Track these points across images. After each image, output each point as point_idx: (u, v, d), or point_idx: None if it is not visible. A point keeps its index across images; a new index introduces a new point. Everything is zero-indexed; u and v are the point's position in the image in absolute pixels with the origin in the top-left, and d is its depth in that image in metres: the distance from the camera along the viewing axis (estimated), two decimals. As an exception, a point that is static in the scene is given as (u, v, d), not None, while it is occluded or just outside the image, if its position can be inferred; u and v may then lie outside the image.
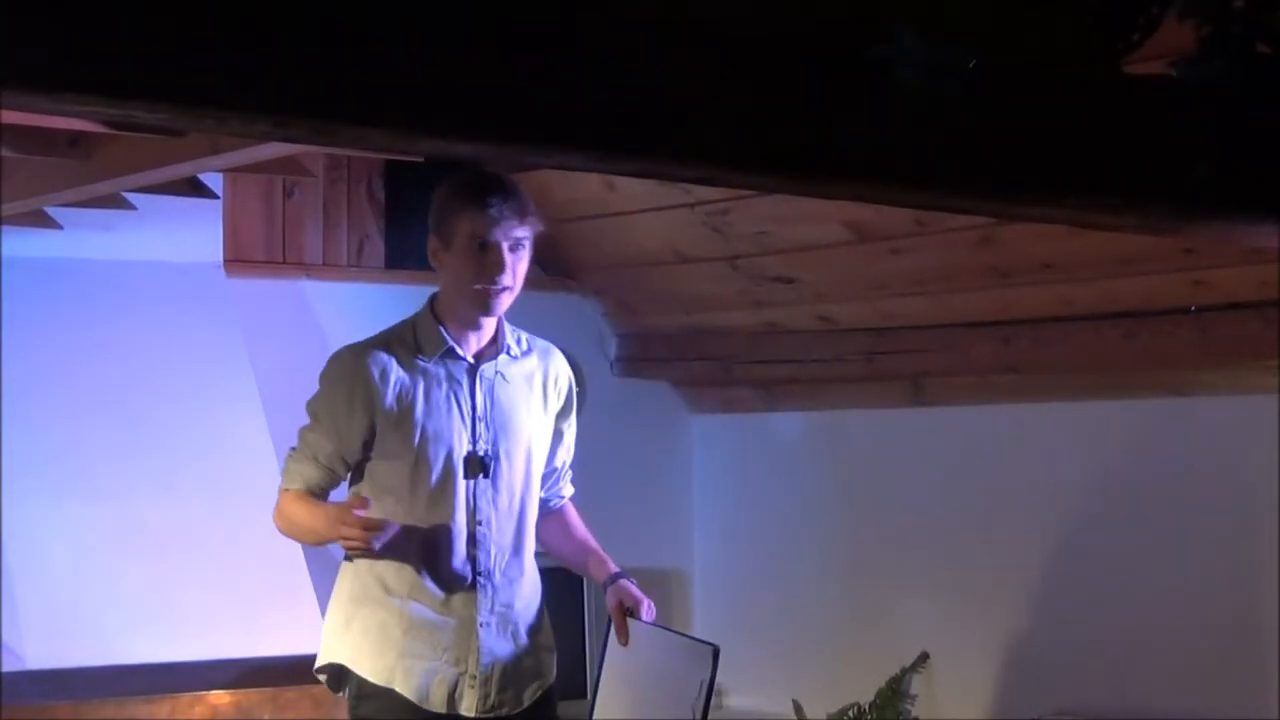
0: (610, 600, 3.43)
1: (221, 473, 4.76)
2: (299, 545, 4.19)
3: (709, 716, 3.21)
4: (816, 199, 3.81)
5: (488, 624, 3.40)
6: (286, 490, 3.41)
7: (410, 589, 3.37)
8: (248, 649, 4.59)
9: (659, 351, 5.86)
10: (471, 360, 3.41)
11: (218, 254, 5.14)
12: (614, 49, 1.58)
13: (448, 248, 3.34)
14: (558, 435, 3.55)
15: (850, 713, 5.16)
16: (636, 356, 5.90)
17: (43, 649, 4.43)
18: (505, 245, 3.30)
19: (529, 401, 3.46)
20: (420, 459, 3.34)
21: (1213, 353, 4.41)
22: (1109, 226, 2.12)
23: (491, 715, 3.40)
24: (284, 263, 5.31)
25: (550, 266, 5.70)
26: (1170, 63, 1.88)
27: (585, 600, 5.29)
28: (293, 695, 4.48)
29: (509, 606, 3.43)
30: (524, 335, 3.50)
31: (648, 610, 3.40)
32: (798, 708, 5.30)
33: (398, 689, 3.36)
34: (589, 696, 3.56)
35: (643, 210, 5.15)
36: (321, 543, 3.50)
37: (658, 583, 5.23)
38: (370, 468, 3.38)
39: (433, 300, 3.44)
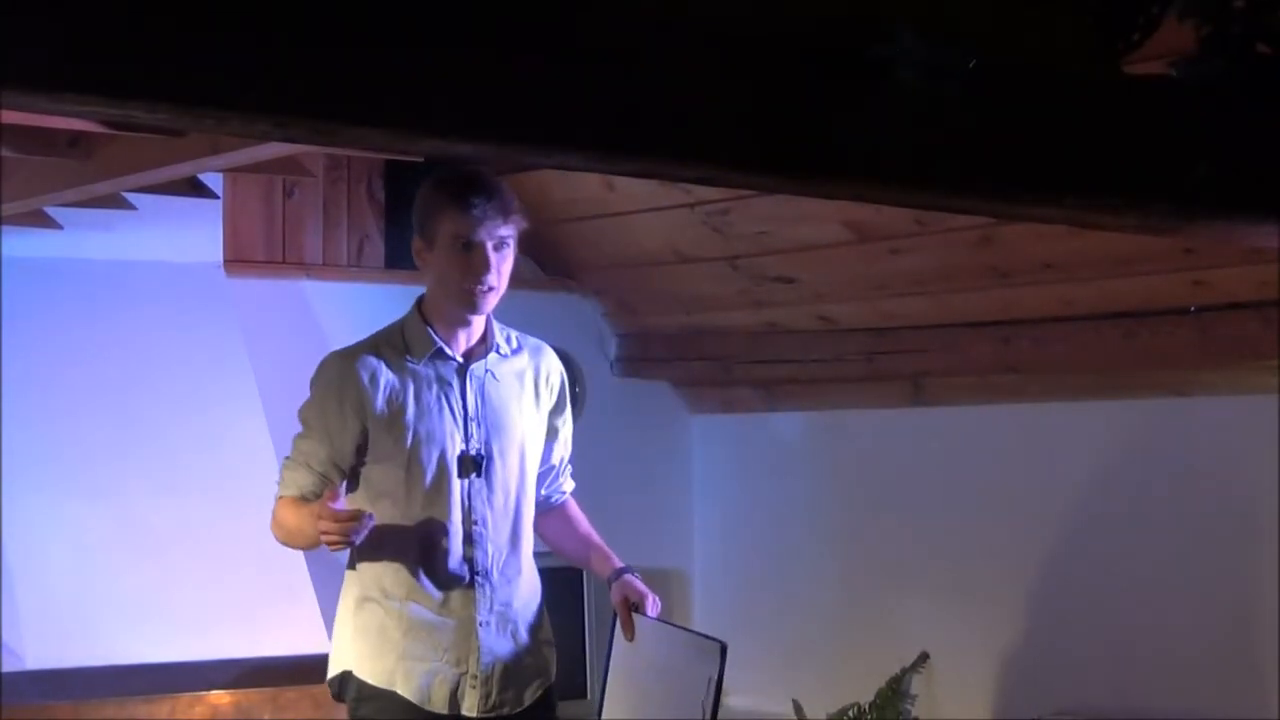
0: (615, 595, 3.42)
1: (221, 472, 4.76)
2: (299, 546, 4.19)
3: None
4: (816, 199, 3.81)
5: (487, 623, 3.40)
6: (281, 498, 3.41)
7: (408, 591, 3.36)
8: (248, 649, 4.58)
9: (659, 351, 5.86)
10: (461, 360, 3.40)
11: (218, 254, 5.14)
12: (614, 49, 1.58)
13: (432, 248, 3.33)
14: (553, 432, 3.54)
15: (850, 713, 5.16)
16: (636, 356, 5.91)
17: (43, 649, 4.43)
18: (489, 245, 3.29)
19: (520, 399, 3.45)
20: (414, 461, 3.34)
21: (1213, 353, 4.41)
22: (1109, 226, 2.12)
23: (493, 715, 3.40)
24: (284, 263, 5.31)
25: (550, 266, 5.70)
26: (1170, 63, 1.88)
27: (585, 600, 5.29)
28: (293, 695, 4.49)
29: (508, 605, 3.43)
30: (513, 333, 3.49)
31: (653, 605, 3.39)
32: (798, 708, 5.30)
33: (399, 691, 3.36)
34: (593, 695, 3.55)
35: (643, 210, 5.15)
36: (313, 545, 3.46)
37: (658, 582, 5.19)
38: (365, 472, 3.37)
39: (420, 301, 3.43)
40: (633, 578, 3.43)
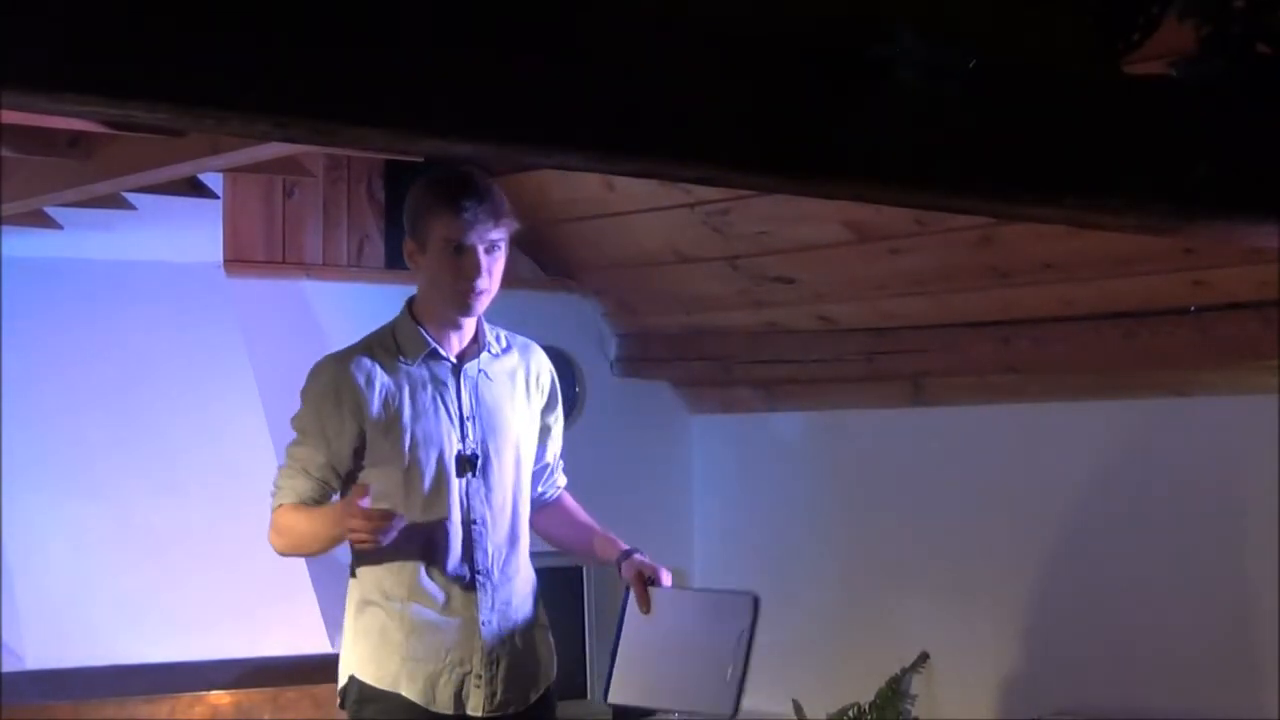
0: (628, 572, 3.35)
1: (221, 472, 4.75)
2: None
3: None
4: (816, 199, 3.81)
5: (489, 622, 3.39)
6: (279, 507, 3.38)
7: (410, 592, 3.36)
8: (248, 649, 4.58)
9: (659, 351, 5.86)
10: (454, 360, 3.40)
11: (218, 254, 5.14)
12: (614, 49, 1.58)
13: (423, 250, 3.33)
14: (545, 430, 3.54)
15: (850, 713, 5.16)
16: (636, 356, 5.90)
17: (43, 649, 4.42)
18: (481, 248, 3.29)
19: (513, 398, 3.45)
20: (412, 463, 3.33)
21: (1213, 353, 4.41)
22: (1109, 226, 2.12)
23: (498, 714, 3.39)
24: (284, 263, 5.31)
25: (550, 266, 5.70)
26: (1170, 63, 1.88)
27: (585, 599, 5.29)
28: (293, 695, 4.48)
29: (508, 604, 3.43)
30: (502, 332, 3.49)
31: (666, 578, 3.36)
32: (798, 708, 5.30)
33: (403, 692, 3.36)
34: (594, 695, 3.53)
35: (643, 210, 5.15)
36: (326, 547, 3.43)
37: (658, 583, 5.22)
38: (362, 476, 3.36)
39: (410, 303, 3.43)
40: (642, 556, 3.39)
